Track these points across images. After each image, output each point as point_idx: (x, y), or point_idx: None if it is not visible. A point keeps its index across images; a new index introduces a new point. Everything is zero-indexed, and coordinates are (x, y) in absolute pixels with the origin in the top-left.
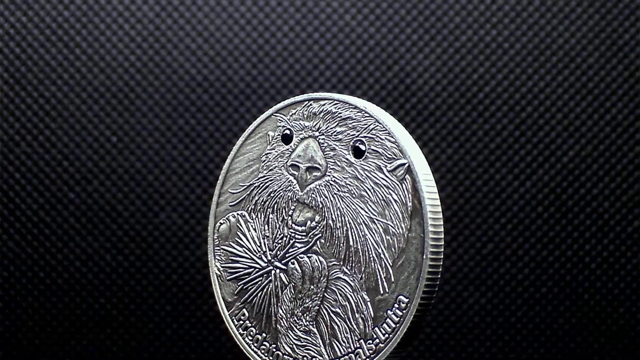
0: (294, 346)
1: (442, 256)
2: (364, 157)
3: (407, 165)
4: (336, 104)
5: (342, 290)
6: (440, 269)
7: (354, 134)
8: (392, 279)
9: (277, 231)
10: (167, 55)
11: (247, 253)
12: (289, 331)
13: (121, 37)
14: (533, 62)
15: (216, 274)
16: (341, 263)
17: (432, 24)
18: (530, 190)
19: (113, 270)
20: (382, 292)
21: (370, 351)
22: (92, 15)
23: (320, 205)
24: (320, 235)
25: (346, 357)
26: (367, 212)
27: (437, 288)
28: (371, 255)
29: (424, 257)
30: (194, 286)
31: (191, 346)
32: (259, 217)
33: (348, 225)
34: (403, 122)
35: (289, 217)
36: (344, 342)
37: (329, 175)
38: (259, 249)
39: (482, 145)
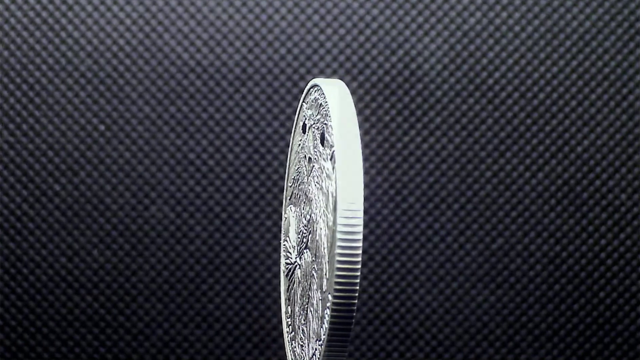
0: (300, 346)
1: (357, 252)
2: (324, 146)
3: (334, 152)
4: (318, 89)
5: (313, 288)
6: (358, 265)
7: (322, 122)
8: (328, 276)
9: (299, 225)
10: (158, 39)
11: (290, 248)
12: (299, 330)
13: (109, 19)
14: (544, 47)
15: (282, 269)
16: (314, 259)
17: (438, 5)
18: (543, 181)
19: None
20: (324, 290)
21: (319, 352)
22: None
23: (311, 198)
24: (311, 229)
25: (312, 358)
26: (322, 205)
27: (356, 286)
28: (321, 251)
29: (334, 250)
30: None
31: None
32: (295, 211)
33: (318, 219)
34: (408, 109)
35: (303, 211)
36: (310, 342)
37: (314, 166)
38: (293, 244)
39: (491, 135)
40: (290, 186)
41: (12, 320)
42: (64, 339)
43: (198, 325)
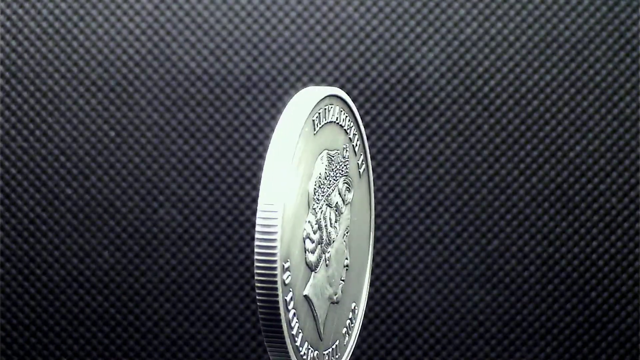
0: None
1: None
2: None
3: None
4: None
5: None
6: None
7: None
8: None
9: None
10: (165, 48)
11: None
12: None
13: (119, 29)
14: (539, 55)
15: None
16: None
17: (436, 16)
18: (537, 185)
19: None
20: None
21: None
22: (90, 8)
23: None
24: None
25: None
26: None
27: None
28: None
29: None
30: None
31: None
32: None
33: None
34: (407, 116)
35: None
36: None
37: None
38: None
39: (487, 140)
40: None
41: (25, 319)
42: (75, 337)
43: (204, 325)
